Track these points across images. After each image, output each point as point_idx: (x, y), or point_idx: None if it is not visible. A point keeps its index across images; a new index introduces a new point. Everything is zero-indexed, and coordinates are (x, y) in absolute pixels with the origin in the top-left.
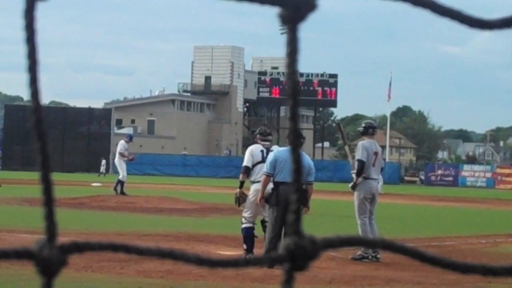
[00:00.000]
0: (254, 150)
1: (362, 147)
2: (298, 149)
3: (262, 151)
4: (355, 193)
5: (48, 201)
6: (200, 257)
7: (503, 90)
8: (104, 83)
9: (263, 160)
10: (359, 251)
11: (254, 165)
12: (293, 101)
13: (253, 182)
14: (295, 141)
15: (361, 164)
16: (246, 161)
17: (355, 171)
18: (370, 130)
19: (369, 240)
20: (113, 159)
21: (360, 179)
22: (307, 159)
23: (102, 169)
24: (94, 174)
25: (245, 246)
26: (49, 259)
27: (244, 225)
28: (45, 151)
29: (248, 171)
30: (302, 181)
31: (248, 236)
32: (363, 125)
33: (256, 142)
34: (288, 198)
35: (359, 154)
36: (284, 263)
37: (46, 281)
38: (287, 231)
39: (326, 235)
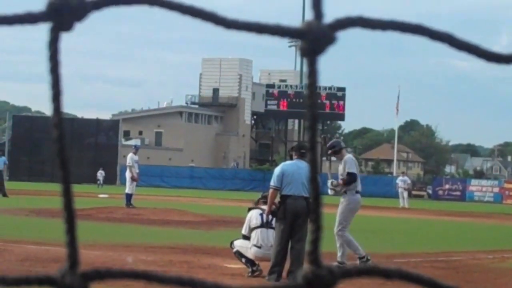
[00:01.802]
0: (253, 216)
1: (351, 160)
2: (317, 182)
3: (261, 214)
4: (343, 204)
5: (71, 229)
6: (218, 285)
7: None
8: (112, 94)
9: (262, 225)
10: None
11: (253, 229)
12: (312, 131)
13: (255, 246)
14: (314, 174)
15: (354, 177)
16: (244, 229)
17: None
18: (343, 145)
19: (385, 270)
20: (121, 170)
21: (348, 192)
22: None
23: (100, 180)
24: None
25: (243, 260)
26: (71, 287)
27: (236, 249)
28: (68, 181)
29: (246, 239)
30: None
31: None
32: (335, 144)
33: (257, 206)
34: (295, 211)
35: (351, 167)
36: None
37: None
38: (296, 245)
39: (333, 249)
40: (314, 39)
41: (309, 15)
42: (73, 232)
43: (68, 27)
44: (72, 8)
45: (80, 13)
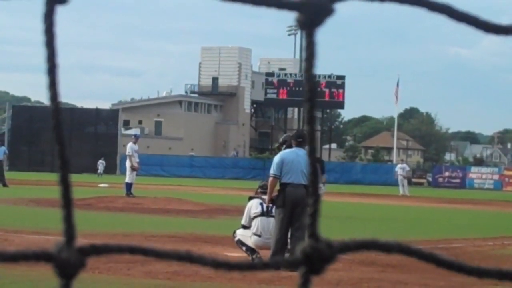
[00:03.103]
0: (253, 205)
1: None
2: (314, 152)
3: (261, 203)
4: None
5: (67, 204)
6: (217, 260)
7: (511, 92)
8: (111, 84)
9: (262, 213)
10: None
11: (253, 218)
12: (310, 104)
13: (255, 234)
14: (312, 144)
15: None
16: (243, 219)
17: None
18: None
19: (385, 244)
20: (120, 159)
21: None
22: None
23: (100, 169)
24: (103, 175)
25: (244, 248)
26: (68, 261)
27: (238, 238)
28: (64, 153)
29: (246, 229)
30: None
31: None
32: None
33: (257, 196)
34: (294, 199)
35: None
36: (301, 266)
37: (64, 282)
38: (295, 233)
39: (333, 237)
40: (312, 10)
41: None
42: (70, 207)
43: None
44: None
45: None
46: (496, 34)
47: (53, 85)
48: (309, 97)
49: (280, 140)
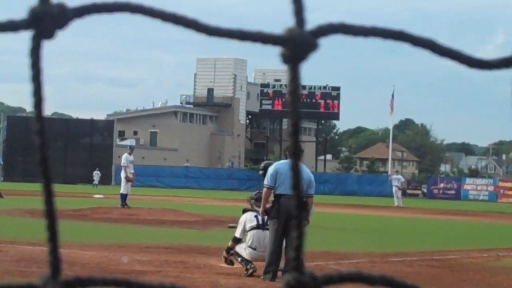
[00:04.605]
0: (247, 218)
1: None
2: (300, 189)
3: (256, 216)
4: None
5: (53, 237)
6: None
7: (506, 104)
8: (107, 95)
9: (257, 226)
10: None
11: (248, 230)
12: (294, 138)
13: (250, 247)
14: (297, 181)
15: None
16: (238, 232)
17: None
18: None
19: (369, 276)
20: (116, 170)
21: None
22: (307, 172)
23: (96, 180)
24: (98, 185)
25: (239, 259)
26: None
27: (235, 250)
28: (50, 189)
29: (239, 241)
30: (303, 195)
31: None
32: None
33: (251, 208)
34: (289, 210)
35: None
36: None
37: None
38: (289, 245)
39: (328, 248)
40: (296, 46)
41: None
42: (55, 240)
43: (49, 35)
44: (53, 16)
45: (61, 21)
46: (479, 68)
47: (40, 119)
48: (293, 131)
49: (261, 165)
